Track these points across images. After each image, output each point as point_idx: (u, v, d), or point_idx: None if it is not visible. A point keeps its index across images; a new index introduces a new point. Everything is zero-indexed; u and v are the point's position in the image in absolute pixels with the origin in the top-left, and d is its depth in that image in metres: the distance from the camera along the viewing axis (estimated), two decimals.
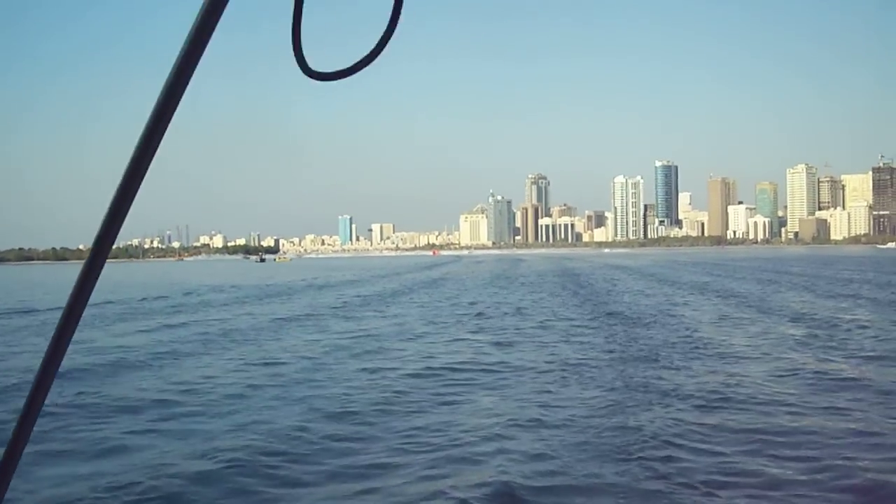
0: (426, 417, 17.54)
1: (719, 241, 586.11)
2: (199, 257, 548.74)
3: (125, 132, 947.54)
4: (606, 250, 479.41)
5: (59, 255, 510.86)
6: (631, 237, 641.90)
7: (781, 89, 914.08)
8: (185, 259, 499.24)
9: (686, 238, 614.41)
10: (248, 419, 17.88)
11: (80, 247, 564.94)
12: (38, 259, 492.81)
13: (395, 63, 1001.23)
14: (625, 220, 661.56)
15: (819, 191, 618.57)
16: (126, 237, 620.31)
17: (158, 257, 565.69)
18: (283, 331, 38.96)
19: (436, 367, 24.93)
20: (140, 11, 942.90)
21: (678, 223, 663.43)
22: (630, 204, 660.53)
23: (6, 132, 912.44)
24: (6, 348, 34.13)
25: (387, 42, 1.79)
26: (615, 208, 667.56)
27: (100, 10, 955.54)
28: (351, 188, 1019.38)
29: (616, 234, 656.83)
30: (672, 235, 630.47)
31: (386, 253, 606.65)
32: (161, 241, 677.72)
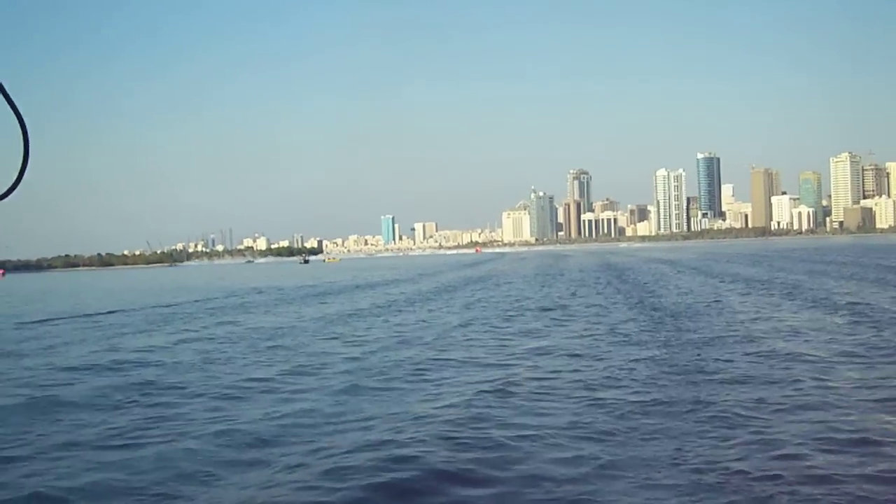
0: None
1: (763, 232, 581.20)
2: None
3: (144, 137, 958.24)
4: (623, 245, 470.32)
5: (105, 261, 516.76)
6: (674, 230, 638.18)
7: (823, 77, 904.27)
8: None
9: (730, 230, 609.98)
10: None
11: (125, 252, 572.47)
12: (84, 265, 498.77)
13: (436, 66, 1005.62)
14: (668, 214, 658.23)
15: (863, 179, 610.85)
16: (171, 242, 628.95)
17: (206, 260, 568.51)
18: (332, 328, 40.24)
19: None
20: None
21: (721, 215, 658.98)
22: (673, 197, 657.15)
23: (46, 140, 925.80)
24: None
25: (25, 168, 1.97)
26: (658, 202, 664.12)
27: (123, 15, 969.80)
28: (393, 188, 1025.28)
29: (659, 228, 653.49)
30: (716, 228, 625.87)
31: (429, 252, 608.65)
32: (205, 245, 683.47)
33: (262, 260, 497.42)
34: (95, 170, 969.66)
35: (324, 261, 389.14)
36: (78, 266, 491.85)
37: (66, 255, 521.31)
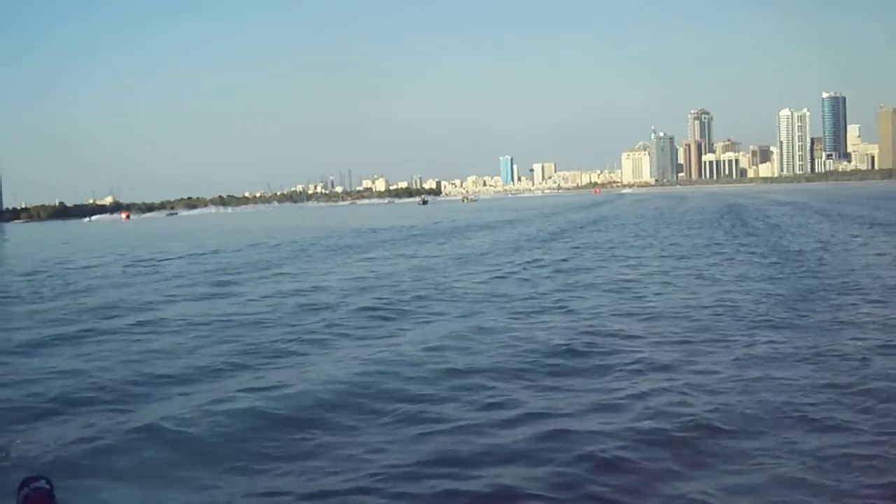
0: None
1: (890, 174, 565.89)
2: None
3: (268, 80, 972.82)
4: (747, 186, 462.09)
5: (225, 202, 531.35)
6: (797, 172, 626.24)
7: None
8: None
9: (855, 172, 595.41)
10: None
11: (245, 194, 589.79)
12: (205, 206, 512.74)
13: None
14: (791, 155, 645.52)
15: None
16: (290, 184, 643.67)
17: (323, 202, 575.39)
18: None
19: None
20: None
21: (847, 157, 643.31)
22: (796, 138, 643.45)
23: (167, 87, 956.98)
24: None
25: None
26: (781, 142, 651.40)
27: None
28: (511, 128, 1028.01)
29: (782, 169, 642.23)
30: (840, 169, 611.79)
31: (548, 192, 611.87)
32: (324, 187, 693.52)
33: (418, 200, 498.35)
34: (221, 112, 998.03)
35: (462, 200, 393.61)
36: (199, 207, 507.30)
37: (189, 198, 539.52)
